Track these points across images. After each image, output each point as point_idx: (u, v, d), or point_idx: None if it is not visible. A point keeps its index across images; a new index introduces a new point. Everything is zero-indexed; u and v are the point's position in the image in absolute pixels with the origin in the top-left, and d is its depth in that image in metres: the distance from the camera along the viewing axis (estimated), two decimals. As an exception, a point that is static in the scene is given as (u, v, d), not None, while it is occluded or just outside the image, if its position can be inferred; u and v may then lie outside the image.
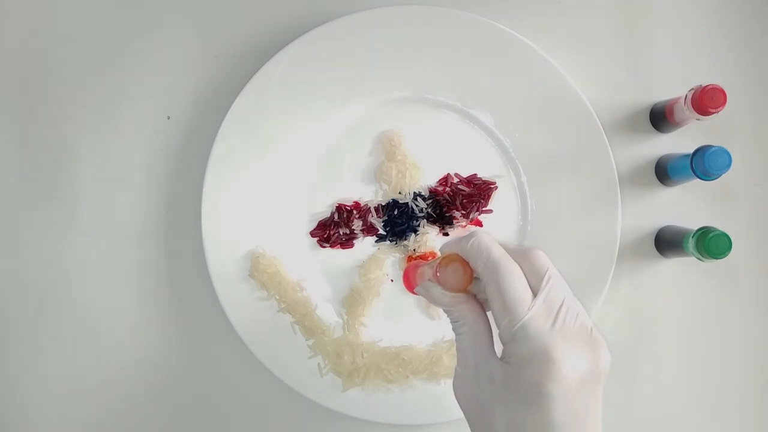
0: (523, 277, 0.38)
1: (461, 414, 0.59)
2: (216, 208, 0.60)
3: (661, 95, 0.63)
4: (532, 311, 0.36)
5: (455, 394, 0.40)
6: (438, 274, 0.40)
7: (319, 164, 0.62)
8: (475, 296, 0.41)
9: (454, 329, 0.41)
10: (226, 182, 0.60)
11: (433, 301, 0.42)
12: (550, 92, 0.61)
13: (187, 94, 0.64)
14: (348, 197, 0.62)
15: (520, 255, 0.39)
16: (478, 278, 0.40)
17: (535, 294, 0.37)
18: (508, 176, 0.63)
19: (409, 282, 0.47)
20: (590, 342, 0.37)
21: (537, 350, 0.36)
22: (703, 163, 0.54)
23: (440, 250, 0.43)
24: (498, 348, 0.39)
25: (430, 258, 0.61)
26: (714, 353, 0.63)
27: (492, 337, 0.39)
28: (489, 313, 0.40)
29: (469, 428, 0.40)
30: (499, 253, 0.38)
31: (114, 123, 0.63)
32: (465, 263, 0.40)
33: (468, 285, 0.40)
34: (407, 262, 0.62)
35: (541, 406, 0.35)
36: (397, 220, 0.62)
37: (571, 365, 0.36)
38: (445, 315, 0.42)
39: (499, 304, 0.37)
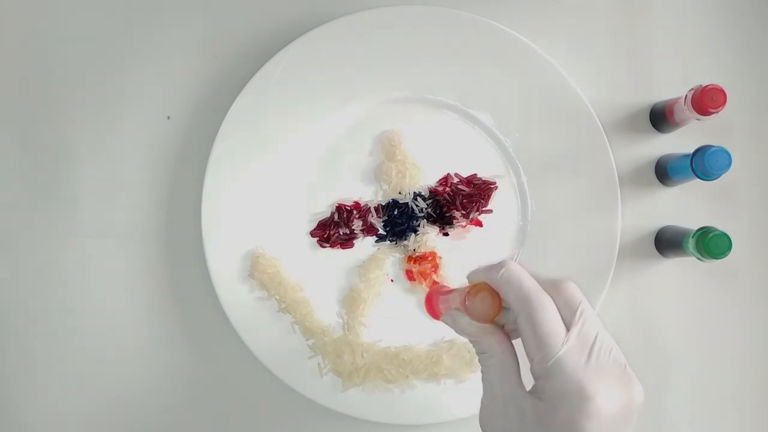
0: (556, 310, 0.37)
1: (461, 414, 0.59)
2: (216, 208, 0.60)
3: (661, 95, 0.63)
4: (566, 346, 0.36)
5: (482, 427, 0.39)
6: (467, 303, 0.39)
7: (319, 164, 0.62)
8: (502, 327, 0.40)
9: (480, 360, 0.40)
10: (226, 182, 0.60)
11: (459, 331, 0.41)
12: (550, 92, 0.61)
13: (187, 94, 0.64)
14: (348, 197, 0.62)
15: (551, 286, 0.38)
16: (506, 308, 0.39)
17: (567, 328, 0.37)
18: (508, 176, 0.63)
19: (432, 308, 0.46)
20: (625, 378, 0.36)
21: (572, 386, 0.35)
22: (703, 163, 0.54)
23: (468, 278, 0.42)
24: (526, 381, 0.38)
25: (430, 259, 0.62)
26: (714, 353, 0.63)
27: (519, 369, 0.39)
28: (516, 344, 0.39)
29: None
30: (531, 284, 0.38)
31: (114, 123, 0.63)
32: (494, 293, 0.39)
33: (497, 315, 0.39)
34: (408, 262, 0.62)
35: None
36: (397, 220, 0.62)
37: (607, 402, 0.35)
38: (473, 346, 0.41)
39: (531, 337, 0.36)
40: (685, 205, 0.63)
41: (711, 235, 0.53)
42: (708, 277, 0.63)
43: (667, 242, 0.62)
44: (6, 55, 0.64)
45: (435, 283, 0.61)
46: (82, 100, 0.63)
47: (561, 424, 0.35)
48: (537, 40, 0.61)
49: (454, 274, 0.62)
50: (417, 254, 0.62)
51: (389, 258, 0.62)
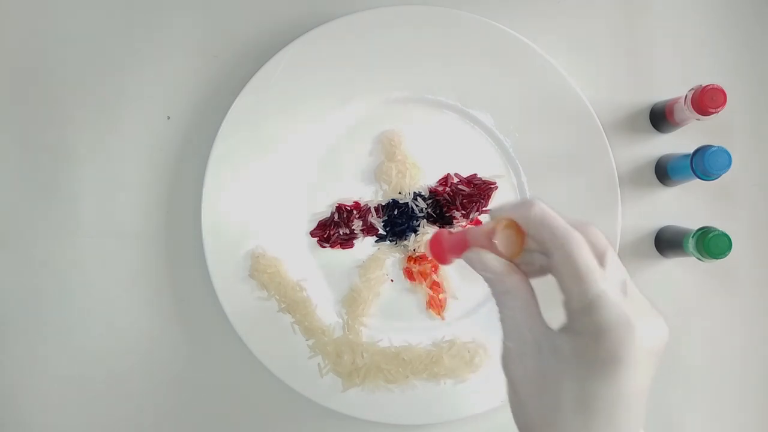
0: (590, 248, 0.37)
1: (461, 414, 0.59)
2: (216, 208, 0.60)
3: (661, 95, 0.63)
4: (608, 281, 0.36)
5: (508, 372, 0.39)
6: (495, 239, 0.39)
7: (319, 164, 0.62)
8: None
9: (500, 302, 0.39)
10: (226, 182, 0.60)
11: (484, 268, 0.40)
12: (550, 92, 0.61)
13: (187, 94, 0.64)
14: (348, 197, 0.62)
15: (580, 228, 0.38)
16: (528, 249, 0.39)
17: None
18: (508, 176, 0.63)
19: (441, 251, 0.44)
20: (655, 315, 0.37)
21: (618, 318, 0.35)
22: (703, 163, 0.54)
23: (490, 215, 0.41)
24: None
25: (430, 258, 0.61)
26: (714, 353, 0.63)
27: (539, 309, 0.39)
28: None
29: (519, 413, 0.38)
30: (564, 222, 0.38)
31: (114, 123, 0.63)
32: (520, 230, 0.39)
33: (520, 253, 0.39)
34: (408, 263, 0.62)
35: (617, 375, 0.35)
36: (397, 220, 0.62)
37: (646, 334, 0.35)
38: (489, 286, 0.40)
39: (570, 273, 0.36)
40: (685, 205, 0.63)
41: (711, 235, 0.53)
42: (708, 277, 0.63)
43: (667, 242, 0.62)
44: (6, 55, 0.64)
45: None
46: (82, 100, 0.63)
47: (604, 357, 0.35)
48: (537, 40, 0.61)
49: (454, 275, 0.62)
50: (417, 254, 0.62)
51: (389, 258, 0.62)
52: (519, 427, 0.39)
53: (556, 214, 0.38)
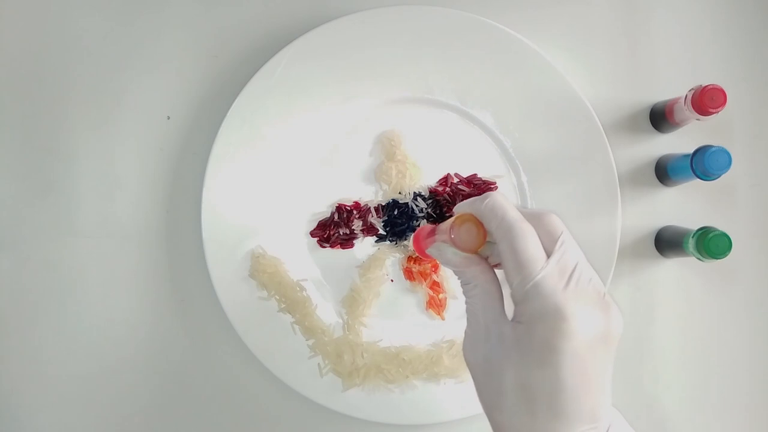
0: (537, 238, 0.38)
1: (461, 414, 0.59)
2: (216, 208, 0.60)
3: (661, 95, 0.63)
4: (545, 270, 0.37)
5: (465, 356, 0.40)
6: (452, 233, 0.40)
7: (319, 164, 0.62)
8: (486, 259, 0.41)
9: (464, 292, 0.41)
10: (226, 182, 0.60)
11: (445, 262, 0.42)
12: (550, 92, 0.61)
13: (187, 94, 0.64)
14: (348, 197, 0.62)
15: (535, 218, 0.39)
16: (491, 241, 0.40)
17: (548, 256, 0.37)
18: (508, 176, 0.63)
19: (419, 245, 0.47)
20: (602, 305, 0.37)
21: (549, 308, 0.36)
22: (703, 163, 0.54)
23: (455, 210, 0.43)
24: (509, 312, 0.39)
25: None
26: (714, 353, 0.63)
27: (503, 299, 0.39)
28: (500, 277, 0.40)
29: (478, 396, 0.39)
30: (514, 214, 0.39)
31: (114, 123, 0.63)
32: (479, 223, 0.40)
33: (481, 245, 0.40)
34: (408, 263, 0.62)
35: (552, 364, 0.36)
36: (397, 220, 0.62)
37: (583, 324, 0.36)
38: (457, 277, 0.42)
39: (512, 262, 0.37)
40: (685, 205, 0.63)
41: (711, 235, 0.53)
42: (708, 277, 0.63)
43: (667, 242, 0.62)
44: (6, 55, 0.64)
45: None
46: (82, 100, 0.63)
47: (538, 345, 0.36)
48: (537, 40, 0.61)
49: (454, 274, 0.62)
50: (417, 254, 0.62)
51: (389, 258, 0.62)
52: (482, 407, 0.40)
53: (509, 205, 0.39)
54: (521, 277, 0.37)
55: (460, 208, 0.42)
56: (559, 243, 0.38)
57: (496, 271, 0.41)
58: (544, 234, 0.38)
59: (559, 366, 0.35)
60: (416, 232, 0.47)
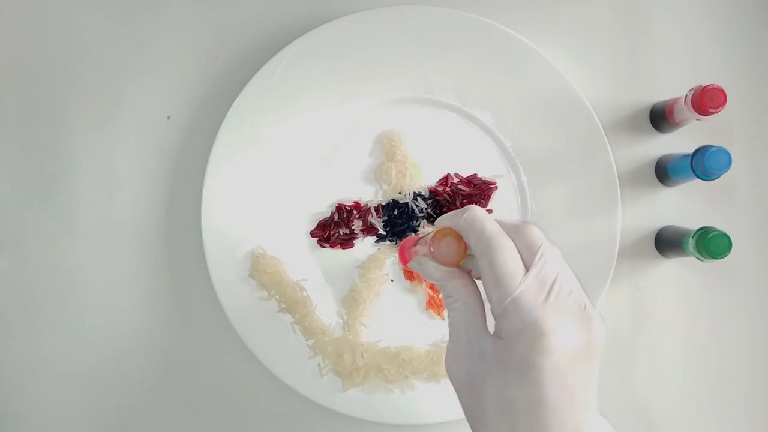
0: (516, 252, 0.38)
1: (461, 414, 0.59)
2: (216, 208, 0.60)
3: (661, 95, 0.63)
4: (523, 285, 0.36)
5: (447, 370, 0.40)
6: (432, 247, 0.40)
7: (319, 164, 0.62)
8: (469, 272, 0.41)
9: (446, 305, 0.41)
10: (226, 182, 0.60)
11: (426, 275, 0.42)
12: (550, 92, 0.61)
13: (187, 94, 0.64)
14: (348, 197, 0.62)
15: (515, 230, 0.39)
16: (471, 254, 0.40)
17: (527, 269, 0.37)
18: (508, 176, 0.63)
19: (404, 257, 0.47)
20: (583, 317, 0.37)
21: (528, 323, 0.35)
22: (703, 163, 0.54)
23: (435, 224, 0.43)
24: (491, 325, 0.39)
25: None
26: (714, 353, 0.63)
27: (485, 313, 0.39)
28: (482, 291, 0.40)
29: (462, 409, 0.39)
30: (492, 227, 0.38)
31: (114, 123, 0.63)
32: (459, 237, 0.40)
33: (461, 259, 0.40)
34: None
35: (532, 380, 0.35)
36: (397, 220, 0.62)
37: (562, 338, 0.35)
38: (439, 291, 0.42)
39: (490, 278, 0.37)
40: (685, 205, 0.63)
41: (711, 235, 0.53)
42: (708, 277, 0.63)
43: (667, 242, 0.62)
44: (6, 56, 0.64)
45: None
46: (82, 100, 0.63)
47: (517, 361, 0.36)
48: (537, 40, 0.61)
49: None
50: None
51: (389, 258, 0.62)
52: (467, 420, 0.40)
53: (487, 219, 0.39)
54: (500, 293, 0.37)
55: (441, 222, 0.42)
56: (538, 256, 0.37)
57: (478, 283, 0.41)
58: (524, 247, 0.38)
59: (539, 381, 0.35)
60: (401, 244, 0.47)
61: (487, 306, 0.39)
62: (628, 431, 0.62)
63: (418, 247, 0.44)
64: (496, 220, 0.39)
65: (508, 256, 0.37)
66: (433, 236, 0.40)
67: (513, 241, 0.38)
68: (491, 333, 0.38)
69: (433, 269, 0.41)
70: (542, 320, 0.35)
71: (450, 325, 0.40)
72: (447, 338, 0.60)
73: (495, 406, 0.37)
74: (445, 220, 0.41)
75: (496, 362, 0.37)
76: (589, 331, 0.37)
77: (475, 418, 0.38)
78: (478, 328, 0.39)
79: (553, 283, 0.37)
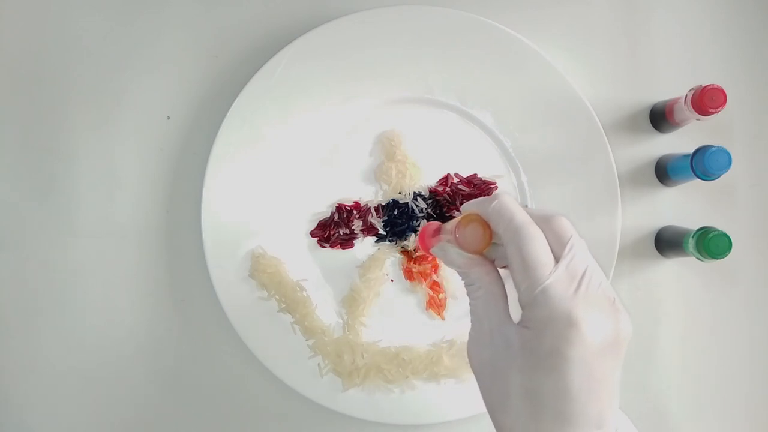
0: (546, 242, 0.37)
1: (460, 414, 0.59)
2: (216, 208, 0.60)
3: (661, 95, 0.63)
4: (554, 276, 0.36)
5: (469, 358, 0.40)
6: (457, 233, 0.39)
7: (319, 164, 0.62)
8: (492, 261, 0.41)
9: (468, 293, 0.40)
10: (226, 182, 0.60)
11: (449, 262, 0.41)
12: (550, 92, 0.61)
13: (187, 94, 0.64)
14: (348, 197, 0.62)
15: (544, 221, 0.38)
16: (496, 243, 0.40)
17: (557, 260, 0.37)
18: (508, 176, 0.63)
19: (425, 242, 0.46)
20: (612, 310, 0.37)
21: (558, 314, 0.35)
22: (703, 163, 0.54)
23: (462, 209, 0.42)
24: (513, 314, 0.39)
25: (430, 258, 0.61)
26: (714, 353, 0.63)
27: (507, 301, 0.39)
28: (504, 279, 0.40)
29: (482, 398, 0.39)
30: (522, 216, 0.38)
31: (114, 123, 0.63)
32: (485, 224, 0.39)
33: (486, 247, 0.39)
34: (408, 263, 0.62)
35: (559, 370, 0.35)
36: (397, 220, 0.62)
37: (592, 330, 0.35)
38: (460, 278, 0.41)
39: (520, 267, 0.37)
40: (685, 205, 0.63)
41: (711, 235, 0.53)
42: (708, 277, 0.63)
43: (667, 242, 0.62)
44: (6, 56, 0.64)
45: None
46: (82, 100, 0.63)
47: (546, 351, 0.35)
48: (537, 40, 0.61)
49: (453, 274, 0.62)
50: (417, 255, 0.62)
51: (389, 258, 0.62)
52: (486, 408, 0.39)
53: (517, 207, 0.38)
54: (530, 282, 0.36)
55: (467, 207, 0.41)
56: (568, 247, 0.37)
57: (501, 271, 0.40)
58: (553, 237, 0.38)
59: (567, 372, 0.35)
60: (422, 228, 0.46)
61: (512, 295, 0.39)
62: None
63: (443, 233, 0.43)
64: (524, 208, 0.39)
65: (539, 246, 0.37)
66: (459, 222, 0.39)
67: (542, 231, 0.38)
68: (514, 322, 0.38)
69: (456, 255, 0.40)
70: (573, 311, 0.35)
71: (472, 313, 0.40)
72: (447, 338, 0.61)
73: (519, 396, 0.36)
74: (471, 206, 0.41)
75: (522, 352, 0.36)
76: (617, 324, 0.37)
77: (496, 406, 0.38)
78: (500, 316, 0.38)
79: (583, 275, 0.37)
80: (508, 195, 0.39)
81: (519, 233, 0.37)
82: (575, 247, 0.37)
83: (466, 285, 0.40)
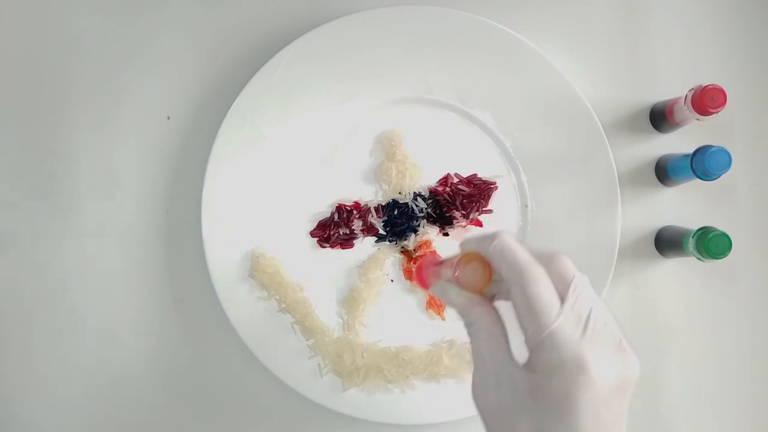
0: (550, 283, 0.37)
1: (460, 414, 0.59)
2: (216, 208, 0.60)
3: (661, 95, 0.63)
4: (560, 319, 0.36)
5: (475, 401, 0.39)
6: (457, 272, 0.39)
7: (319, 164, 0.62)
8: (491, 298, 0.41)
9: (468, 333, 0.40)
10: (226, 182, 0.60)
11: (448, 301, 0.41)
12: (550, 92, 0.61)
13: (187, 94, 0.64)
14: (348, 197, 0.62)
15: (545, 259, 0.38)
16: (496, 280, 0.39)
17: (561, 300, 0.36)
18: (508, 176, 0.63)
19: (422, 279, 0.46)
20: (619, 351, 0.36)
21: (566, 358, 0.35)
22: (703, 163, 0.54)
23: (460, 246, 0.42)
24: (515, 352, 0.38)
25: (427, 250, 0.61)
26: (714, 353, 0.63)
27: (508, 341, 0.39)
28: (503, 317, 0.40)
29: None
30: (524, 257, 0.38)
31: (114, 123, 0.63)
32: (486, 263, 0.39)
33: (486, 285, 0.39)
34: (408, 263, 0.62)
35: (569, 415, 0.35)
36: (397, 220, 0.62)
37: (602, 374, 0.35)
38: (458, 317, 0.41)
39: (525, 310, 0.36)
40: (685, 205, 0.63)
41: (711, 235, 0.53)
42: (708, 277, 0.63)
43: (667, 242, 0.62)
44: (6, 56, 0.64)
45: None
46: (82, 100, 0.63)
47: (555, 396, 0.35)
48: (537, 40, 0.61)
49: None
50: (416, 255, 0.62)
51: (389, 258, 0.62)
52: None
53: (518, 247, 0.38)
54: (536, 326, 0.36)
55: (466, 245, 0.41)
56: (572, 288, 0.37)
57: (503, 304, 0.40)
58: (556, 277, 0.37)
59: (576, 416, 0.35)
60: (420, 263, 0.46)
61: (513, 334, 0.38)
62: (627, 430, 0.62)
63: (443, 271, 0.43)
64: (525, 247, 0.39)
65: (543, 288, 0.36)
66: (459, 260, 0.39)
67: (545, 271, 0.37)
68: (519, 363, 0.37)
69: (456, 295, 0.40)
70: (582, 355, 0.35)
71: (473, 354, 0.39)
72: (447, 338, 0.61)
73: None
74: (471, 244, 0.40)
75: (530, 396, 0.36)
76: (625, 366, 0.36)
77: None
78: (504, 356, 0.38)
79: (588, 316, 0.36)
80: (507, 233, 0.39)
81: (523, 275, 0.37)
82: (579, 286, 0.37)
83: (466, 325, 0.40)
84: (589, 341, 0.36)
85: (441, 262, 0.44)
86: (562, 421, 0.35)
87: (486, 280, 0.39)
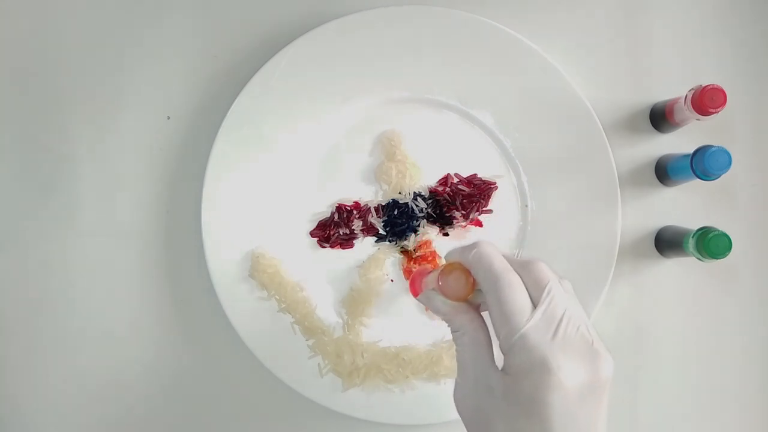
0: (524, 288, 0.38)
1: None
2: (216, 208, 0.60)
3: (661, 95, 0.63)
4: (531, 322, 0.37)
5: (456, 405, 0.41)
6: (440, 282, 0.40)
7: (319, 164, 0.62)
8: (476, 307, 0.41)
9: (454, 339, 0.41)
10: (226, 182, 0.60)
11: (434, 310, 0.42)
12: (550, 92, 0.61)
13: (187, 94, 0.64)
14: (348, 197, 0.62)
15: (522, 267, 0.39)
16: (479, 289, 0.40)
17: (535, 305, 0.37)
18: (508, 176, 0.63)
19: (415, 289, 0.48)
20: (590, 354, 0.37)
21: (535, 361, 0.36)
22: (703, 163, 0.54)
23: (445, 257, 0.43)
24: (498, 360, 0.39)
25: (430, 259, 0.62)
26: (714, 353, 0.63)
27: (492, 348, 0.40)
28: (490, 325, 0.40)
29: None
30: (500, 263, 0.39)
31: (114, 123, 0.63)
32: (467, 272, 0.40)
33: (469, 294, 0.40)
34: (408, 263, 0.62)
35: (541, 417, 0.35)
36: (397, 220, 0.62)
37: (570, 375, 0.36)
38: (446, 325, 0.42)
39: (498, 314, 0.37)
40: (685, 205, 0.63)
41: (711, 235, 0.53)
42: (708, 277, 0.63)
43: (667, 242, 0.62)
44: (6, 55, 0.64)
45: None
46: (82, 100, 0.63)
47: (525, 398, 0.36)
48: (537, 40, 0.61)
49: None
50: (416, 255, 0.62)
51: (389, 258, 0.62)
52: None
53: (496, 255, 0.39)
54: (508, 329, 0.37)
55: (450, 255, 0.42)
56: (545, 292, 0.38)
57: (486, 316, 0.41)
58: (532, 283, 0.38)
59: (548, 419, 0.35)
60: (413, 274, 0.48)
61: (495, 341, 0.39)
62: (628, 431, 0.63)
63: (427, 280, 0.44)
64: (503, 255, 0.40)
65: (516, 293, 0.37)
66: (442, 271, 0.41)
67: (521, 277, 0.38)
68: (499, 368, 0.38)
69: (441, 303, 0.41)
70: (549, 358, 0.36)
71: (458, 360, 0.40)
72: (447, 338, 0.61)
73: None
74: (453, 254, 0.41)
75: (504, 399, 0.37)
76: (596, 368, 0.37)
77: None
78: (485, 363, 0.39)
79: (560, 320, 0.37)
80: (488, 243, 0.40)
81: (497, 281, 0.38)
82: (553, 291, 0.38)
83: (452, 332, 0.41)
84: (559, 344, 0.36)
85: (429, 272, 0.45)
86: (535, 422, 0.36)
87: (469, 288, 0.40)
